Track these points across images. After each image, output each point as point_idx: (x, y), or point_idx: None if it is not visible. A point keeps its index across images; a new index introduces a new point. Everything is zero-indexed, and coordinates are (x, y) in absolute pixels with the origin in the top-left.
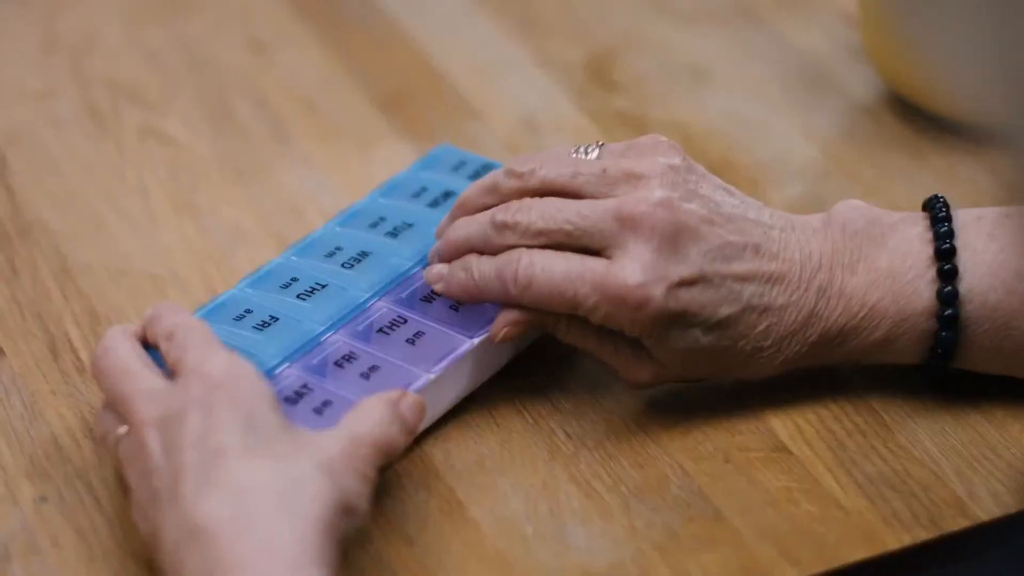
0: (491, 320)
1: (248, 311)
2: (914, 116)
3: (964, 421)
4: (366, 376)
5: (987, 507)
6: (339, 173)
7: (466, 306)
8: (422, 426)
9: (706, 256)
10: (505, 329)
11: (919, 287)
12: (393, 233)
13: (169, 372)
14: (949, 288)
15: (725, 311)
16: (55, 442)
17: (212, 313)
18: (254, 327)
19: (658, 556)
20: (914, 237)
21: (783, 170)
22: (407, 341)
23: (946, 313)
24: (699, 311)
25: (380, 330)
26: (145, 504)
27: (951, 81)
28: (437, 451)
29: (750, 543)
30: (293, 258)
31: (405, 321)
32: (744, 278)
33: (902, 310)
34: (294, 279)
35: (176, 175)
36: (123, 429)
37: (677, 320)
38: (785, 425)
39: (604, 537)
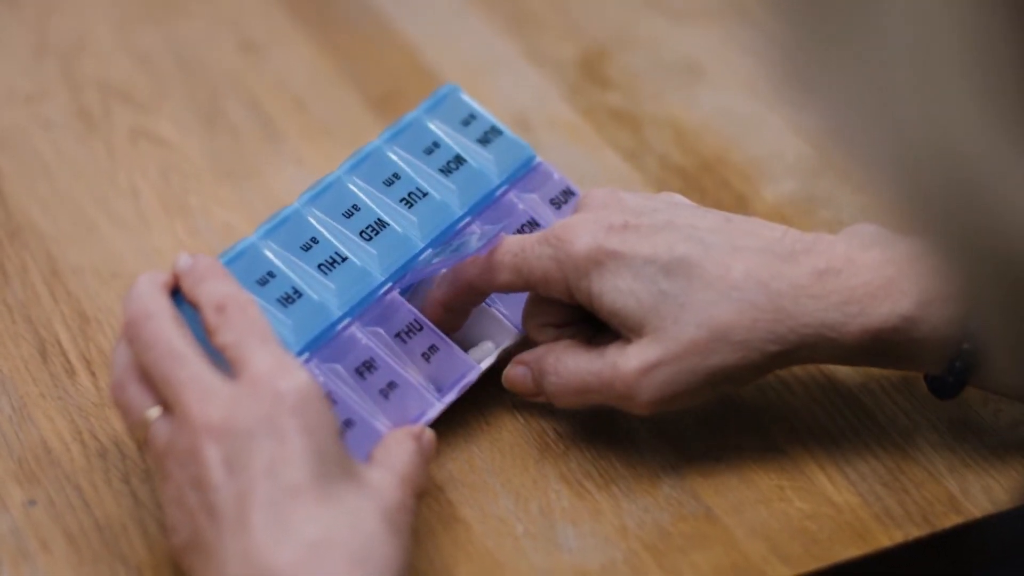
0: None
1: (271, 275)
2: None
3: (957, 417)
4: (384, 395)
5: (980, 503)
6: (331, 171)
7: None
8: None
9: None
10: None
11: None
12: (408, 202)
13: (211, 346)
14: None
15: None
16: (44, 445)
17: (230, 264)
18: (278, 300)
19: (649, 556)
20: None
21: (776, 167)
22: (422, 356)
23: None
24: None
25: (398, 335)
26: (194, 511)
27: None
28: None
29: (741, 541)
30: (313, 210)
31: (421, 328)
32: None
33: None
34: (313, 240)
35: (167, 176)
36: (155, 412)
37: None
38: (778, 423)
39: (595, 537)
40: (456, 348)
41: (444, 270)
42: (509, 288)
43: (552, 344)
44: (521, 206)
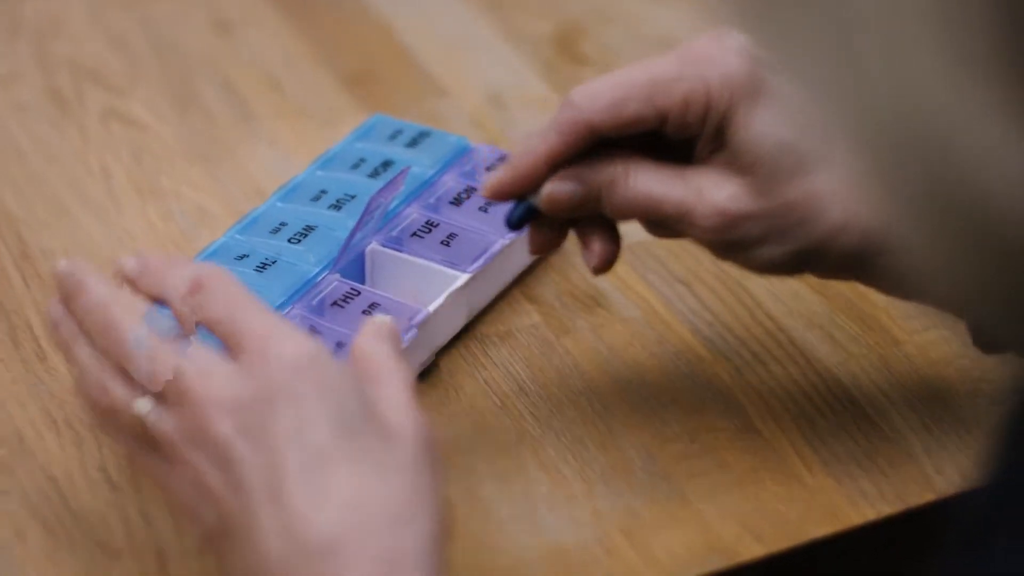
0: (481, 254)
1: None
2: None
3: (934, 397)
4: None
5: (954, 482)
6: (305, 152)
7: (453, 244)
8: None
9: None
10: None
11: None
12: (336, 206)
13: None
14: None
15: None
16: (17, 433)
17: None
18: None
19: (623, 538)
20: None
21: None
22: (363, 313)
23: None
24: (786, 98)
25: (335, 303)
26: (219, 492)
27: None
28: None
29: (714, 523)
30: (237, 236)
31: (359, 293)
32: None
33: None
34: (243, 256)
35: (140, 158)
36: (146, 404)
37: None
38: (754, 404)
39: (570, 521)
40: (398, 299)
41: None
42: (639, 124)
43: (616, 156)
44: (454, 182)
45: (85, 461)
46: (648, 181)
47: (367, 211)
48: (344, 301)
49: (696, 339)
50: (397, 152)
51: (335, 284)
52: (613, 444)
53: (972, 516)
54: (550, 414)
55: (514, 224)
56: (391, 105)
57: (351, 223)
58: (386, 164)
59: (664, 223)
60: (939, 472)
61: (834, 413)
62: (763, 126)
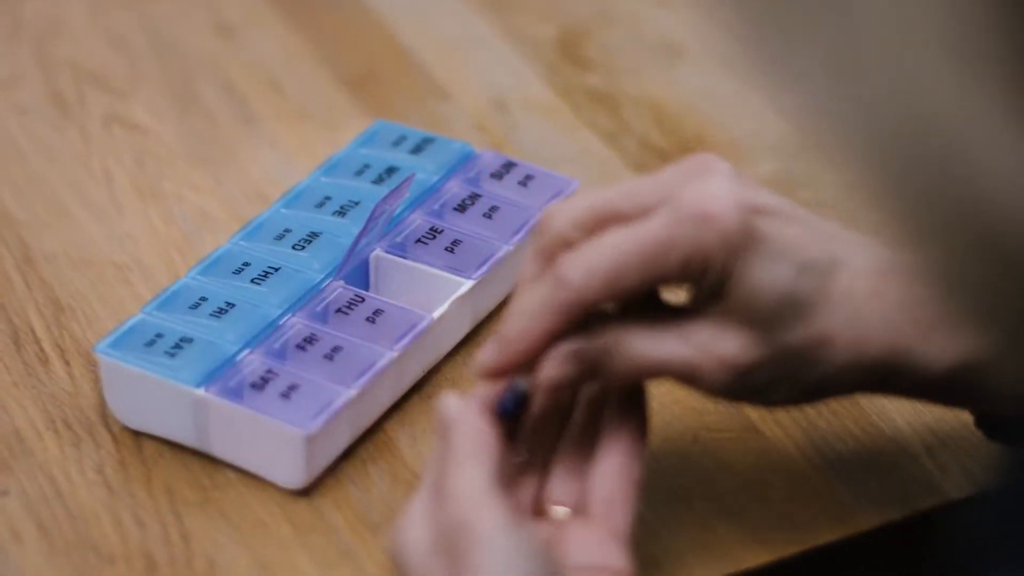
0: (486, 260)
1: (203, 299)
2: None
3: None
4: (329, 357)
5: (959, 484)
6: (306, 155)
7: (458, 251)
8: (389, 403)
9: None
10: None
11: None
12: (341, 212)
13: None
14: None
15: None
16: (17, 434)
17: (166, 303)
18: (211, 314)
19: None
20: None
21: (757, 147)
22: (367, 320)
23: None
24: (780, 241)
25: (339, 310)
26: None
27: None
28: (402, 435)
29: (718, 525)
30: (241, 243)
31: (363, 300)
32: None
33: None
34: (246, 264)
35: (141, 161)
36: None
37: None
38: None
39: None
40: (403, 306)
41: (534, 301)
42: (636, 294)
43: (606, 328)
44: (458, 188)
45: (83, 462)
46: (647, 346)
47: (372, 218)
48: (348, 308)
49: None
50: (401, 158)
51: (339, 291)
52: None
53: (981, 525)
54: None
55: (509, 414)
56: (393, 108)
57: (355, 230)
58: (390, 170)
59: (669, 378)
60: (943, 474)
61: (834, 414)
62: (762, 277)
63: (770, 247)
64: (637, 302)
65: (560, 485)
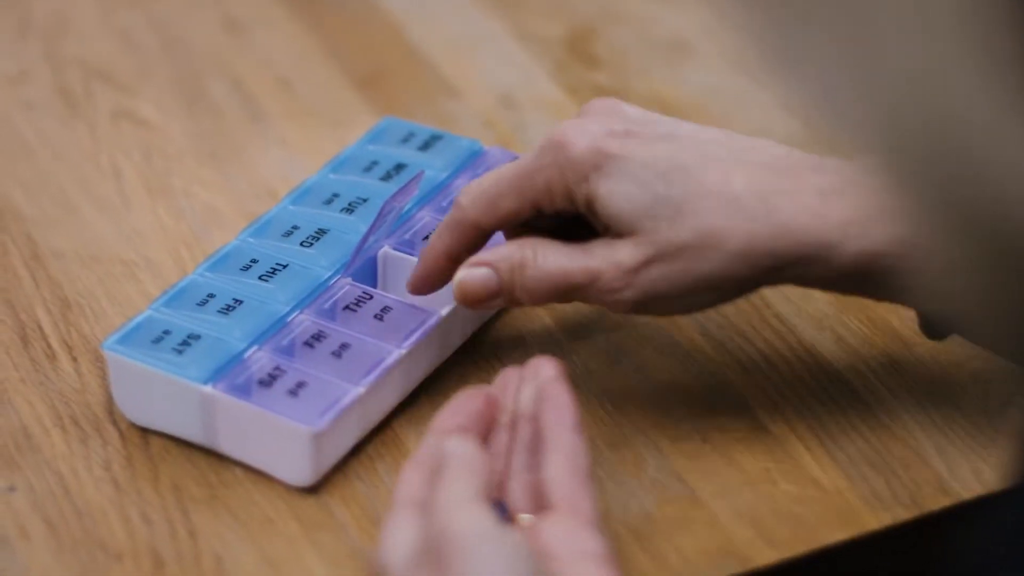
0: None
1: (211, 296)
2: None
3: (944, 398)
4: (337, 355)
5: (969, 485)
6: (315, 153)
7: None
8: (397, 400)
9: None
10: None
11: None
12: (349, 209)
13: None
14: None
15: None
16: (24, 431)
17: (173, 300)
18: (219, 311)
19: (634, 539)
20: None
21: None
22: (375, 317)
23: None
24: (635, 158)
25: (347, 307)
26: None
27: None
28: (410, 432)
29: (727, 525)
30: (249, 240)
31: (371, 297)
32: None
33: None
34: (254, 261)
35: (149, 158)
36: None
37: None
38: (764, 405)
39: None
40: (411, 304)
41: (440, 223)
42: (515, 216)
43: (523, 240)
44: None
45: (91, 459)
46: (556, 257)
47: (380, 215)
48: (356, 305)
49: (705, 340)
50: (409, 155)
51: (347, 288)
52: (624, 444)
53: (992, 527)
54: None
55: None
56: (401, 105)
57: (363, 227)
58: (399, 167)
59: (576, 293)
60: (952, 474)
61: (843, 413)
62: (618, 190)
63: (624, 164)
64: (560, 229)
65: (522, 495)
